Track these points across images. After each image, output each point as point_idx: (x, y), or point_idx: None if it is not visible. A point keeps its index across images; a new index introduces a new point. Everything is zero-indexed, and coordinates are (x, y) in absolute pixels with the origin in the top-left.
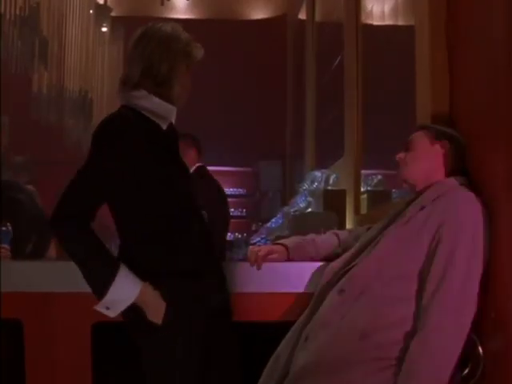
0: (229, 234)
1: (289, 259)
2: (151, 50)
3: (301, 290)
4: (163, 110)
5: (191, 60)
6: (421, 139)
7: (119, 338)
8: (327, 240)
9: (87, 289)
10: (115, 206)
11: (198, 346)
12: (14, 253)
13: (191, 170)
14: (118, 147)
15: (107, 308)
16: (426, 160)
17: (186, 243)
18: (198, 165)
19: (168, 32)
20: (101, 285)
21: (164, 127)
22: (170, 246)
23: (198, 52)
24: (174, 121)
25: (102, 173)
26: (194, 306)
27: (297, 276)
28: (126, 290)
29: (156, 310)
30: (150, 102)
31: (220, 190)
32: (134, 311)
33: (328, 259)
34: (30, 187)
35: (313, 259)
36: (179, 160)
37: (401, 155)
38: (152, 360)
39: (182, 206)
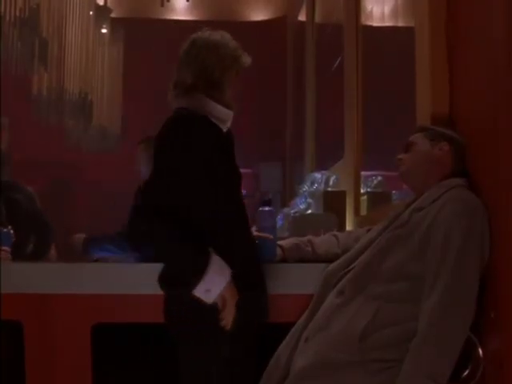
0: None
1: (284, 260)
2: (203, 55)
3: (301, 291)
4: (223, 114)
5: (240, 65)
6: (420, 140)
7: (119, 339)
8: (325, 240)
9: (87, 290)
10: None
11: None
12: (13, 254)
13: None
14: (188, 145)
15: (207, 290)
16: (425, 161)
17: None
18: None
19: (217, 39)
20: (199, 266)
21: (224, 130)
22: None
23: (246, 58)
24: (229, 125)
25: (179, 167)
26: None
27: (296, 277)
28: (223, 271)
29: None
30: (210, 106)
31: None
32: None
33: (326, 260)
34: (28, 188)
35: (310, 260)
36: (235, 164)
37: (400, 156)
38: (187, 353)
39: (235, 210)
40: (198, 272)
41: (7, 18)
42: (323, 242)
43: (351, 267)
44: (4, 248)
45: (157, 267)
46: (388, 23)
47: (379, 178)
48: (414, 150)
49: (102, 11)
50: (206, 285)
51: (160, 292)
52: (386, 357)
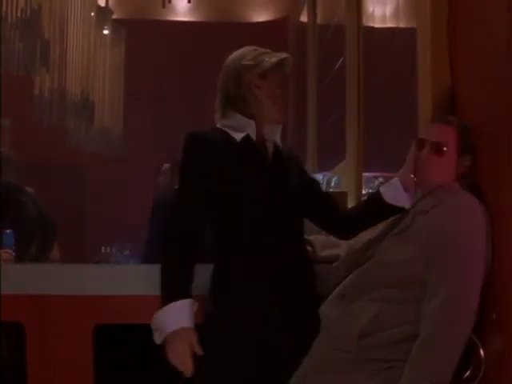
0: None
1: None
2: (220, 80)
3: None
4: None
5: (260, 70)
6: (453, 149)
7: (121, 340)
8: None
9: (89, 291)
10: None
11: None
12: (17, 255)
13: None
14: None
15: (156, 329)
16: (449, 173)
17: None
18: None
19: (228, 59)
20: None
21: (238, 138)
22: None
23: (267, 61)
24: (254, 135)
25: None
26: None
27: None
28: (173, 319)
29: (177, 356)
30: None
31: None
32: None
33: (328, 261)
34: (29, 189)
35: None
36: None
37: (430, 157)
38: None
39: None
40: (163, 302)
41: (9, 19)
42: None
43: (353, 269)
44: (7, 250)
45: (158, 268)
46: (389, 24)
47: (380, 179)
48: (445, 157)
49: (103, 12)
50: (156, 321)
51: None
52: (386, 357)
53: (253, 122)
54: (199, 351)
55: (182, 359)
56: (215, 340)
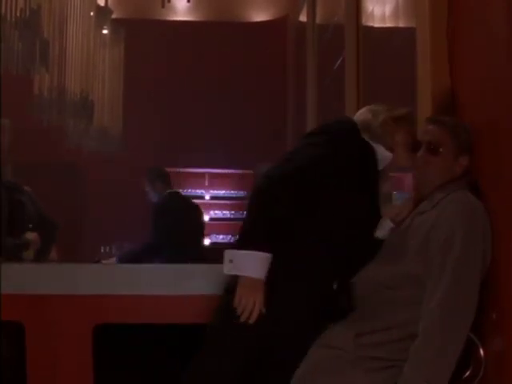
0: (230, 236)
1: None
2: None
3: None
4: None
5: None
6: (448, 148)
7: (121, 340)
8: None
9: (88, 291)
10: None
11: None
12: (17, 255)
13: None
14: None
15: (231, 260)
16: (446, 172)
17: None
18: None
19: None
20: (251, 241)
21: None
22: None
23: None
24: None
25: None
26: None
27: None
28: (253, 265)
29: (248, 302)
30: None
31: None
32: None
33: None
34: (27, 188)
35: None
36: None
37: (426, 157)
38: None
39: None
40: (246, 244)
41: (8, 18)
42: None
43: None
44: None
45: (159, 269)
46: (389, 24)
47: None
48: (440, 157)
49: (102, 12)
50: (236, 256)
51: (162, 293)
52: (385, 356)
53: (390, 158)
54: (263, 309)
55: (252, 306)
56: (220, 329)
